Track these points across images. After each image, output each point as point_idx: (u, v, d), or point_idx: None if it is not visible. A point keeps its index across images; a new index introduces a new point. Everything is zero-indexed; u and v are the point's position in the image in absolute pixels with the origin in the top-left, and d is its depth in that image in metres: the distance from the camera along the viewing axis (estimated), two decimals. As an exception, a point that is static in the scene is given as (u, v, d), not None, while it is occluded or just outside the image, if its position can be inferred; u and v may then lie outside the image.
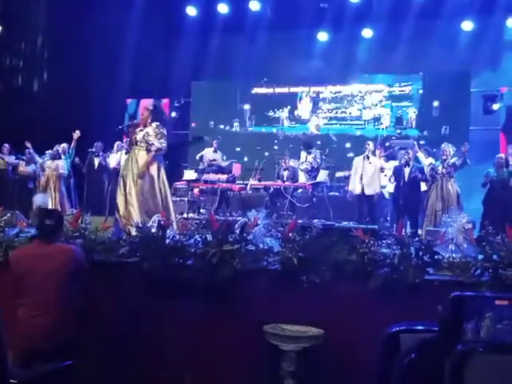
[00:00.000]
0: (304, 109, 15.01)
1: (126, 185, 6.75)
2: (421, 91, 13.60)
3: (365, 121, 14.29)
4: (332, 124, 14.62)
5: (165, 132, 6.97)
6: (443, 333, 1.48)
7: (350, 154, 12.38)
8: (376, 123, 13.89)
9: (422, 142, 11.68)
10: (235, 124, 13.13)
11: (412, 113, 13.80)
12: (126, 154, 10.18)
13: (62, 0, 10.96)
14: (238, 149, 14.06)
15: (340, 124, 14.67)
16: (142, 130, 6.92)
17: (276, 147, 13.94)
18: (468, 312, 1.42)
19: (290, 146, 13.47)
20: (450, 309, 1.47)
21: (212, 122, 14.60)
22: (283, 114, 15.05)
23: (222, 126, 14.64)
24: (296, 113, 15.07)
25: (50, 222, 4.08)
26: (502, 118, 11.73)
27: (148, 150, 6.76)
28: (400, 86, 13.91)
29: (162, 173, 6.96)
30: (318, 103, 14.92)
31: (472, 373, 1.26)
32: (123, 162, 10.01)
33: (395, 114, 13.95)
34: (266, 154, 13.35)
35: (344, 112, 14.77)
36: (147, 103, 13.70)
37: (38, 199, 7.07)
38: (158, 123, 6.97)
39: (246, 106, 14.83)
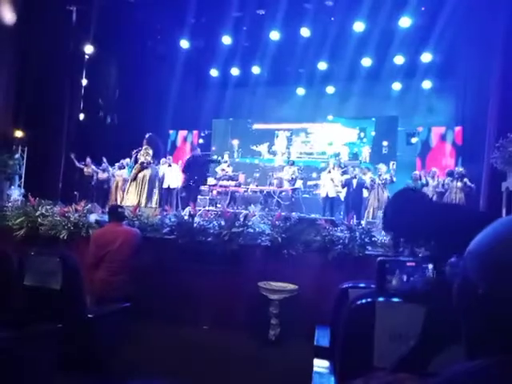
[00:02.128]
0: (280, 144, 13.94)
1: None
2: (373, 133, 12.72)
3: (329, 155, 13.06)
4: (301, 157, 13.31)
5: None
6: (376, 287, 1.48)
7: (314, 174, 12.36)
8: (336, 158, 11.90)
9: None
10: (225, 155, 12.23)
11: (366, 150, 12.78)
12: (168, 166, 10.22)
13: (128, 62, 10.94)
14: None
15: (308, 157, 13.51)
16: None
17: (257, 174, 12.55)
18: (389, 271, 1.44)
19: (270, 173, 11.81)
20: (377, 269, 1.48)
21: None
22: (263, 148, 13.98)
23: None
24: (273, 148, 13.93)
25: (121, 210, 4.11)
26: (418, 148, 11.72)
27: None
28: (358, 129, 12.90)
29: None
30: (291, 140, 13.80)
31: (383, 314, 1.26)
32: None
33: (352, 150, 12.91)
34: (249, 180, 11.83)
35: (311, 148, 13.70)
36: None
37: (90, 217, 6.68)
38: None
39: (235, 141, 14.00)
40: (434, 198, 8.42)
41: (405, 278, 1.40)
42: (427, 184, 8.73)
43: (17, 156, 8.93)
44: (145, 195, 7.91)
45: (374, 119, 12.64)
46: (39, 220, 5.31)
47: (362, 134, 12.77)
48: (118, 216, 4.07)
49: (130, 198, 7.76)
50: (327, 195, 9.67)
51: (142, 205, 7.14)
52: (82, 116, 10.95)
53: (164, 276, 4.62)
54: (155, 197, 8.18)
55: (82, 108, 10.85)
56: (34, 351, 2.19)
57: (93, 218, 5.31)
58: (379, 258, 1.55)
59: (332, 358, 1.87)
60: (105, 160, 10.23)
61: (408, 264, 1.44)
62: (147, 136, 7.28)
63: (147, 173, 8.20)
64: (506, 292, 0.58)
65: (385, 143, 12.23)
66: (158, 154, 7.61)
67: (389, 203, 2.00)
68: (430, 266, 1.39)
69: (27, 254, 2.91)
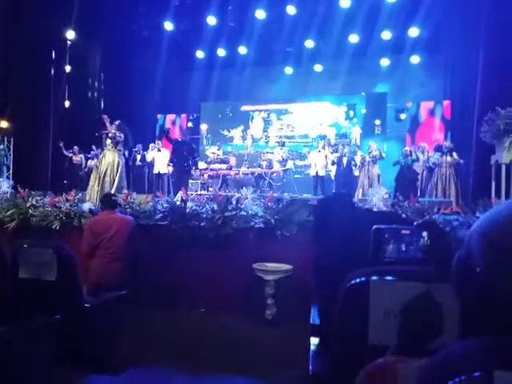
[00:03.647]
0: (256, 128, 13.01)
1: None
2: (364, 110, 12.13)
3: (312, 139, 12.38)
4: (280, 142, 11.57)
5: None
6: (372, 253, 1.50)
7: (306, 149, 12.22)
8: (325, 139, 11.02)
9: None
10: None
11: (356, 131, 12.07)
12: (157, 151, 10.12)
13: (113, 47, 10.72)
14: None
15: (289, 142, 12.31)
16: None
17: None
18: (385, 239, 1.46)
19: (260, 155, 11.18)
20: (373, 237, 1.50)
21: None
22: (236, 132, 13.09)
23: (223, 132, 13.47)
24: (249, 132, 12.96)
25: (114, 198, 4.10)
26: (408, 124, 11.73)
27: None
28: (346, 107, 12.26)
29: None
30: (269, 122, 12.84)
31: (377, 292, 1.28)
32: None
33: (339, 131, 12.24)
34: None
35: (292, 131, 12.72)
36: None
37: (83, 206, 6.21)
38: None
39: (203, 126, 13.32)
40: (425, 174, 8.50)
41: (401, 246, 1.41)
42: (418, 159, 8.78)
43: (1, 147, 8.79)
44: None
45: (363, 93, 12.40)
46: (30, 211, 5.27)
47: (352, 113, 12.42)
48: (111, 204, 4.07)
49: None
50: (317, 174, 9.71)
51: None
52: (67, 103, 10.76)
53: (159, 262, 4.63)
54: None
55: (67, 95, 10.65)
56: (32, 344, 2.20)
57: (86, 206, 5.28)
58: (375, 226, 1.55)
59: (323, 335, 1.90)
60: (94, 148, 10.11)
61: (403, 232, 1.45)
62: (118, 123, 6.96)
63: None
64: (501, 275, 0.58)
65: (377, 122, 11.90)
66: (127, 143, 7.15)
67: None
68: (425, 234, 1.41)
69: (20, 247, 2.89)
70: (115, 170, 6.79)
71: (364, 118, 12.29)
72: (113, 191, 6.15)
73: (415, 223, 1.99)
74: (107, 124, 7.01)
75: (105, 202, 4.14)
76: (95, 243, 3.84)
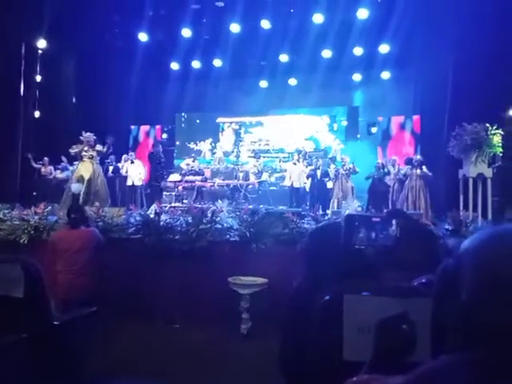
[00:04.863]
0: (227, 141, 12.62)
1: None
2: (345, 123, 12.33)
3: (289, 153, 12.13)
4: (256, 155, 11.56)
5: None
6: (343, 242, 1.50)
7: (281, 163, 12.15)
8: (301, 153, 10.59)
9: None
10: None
11: (336, 145, 12.11)
12: (130, 163, 9.99)
13: (86, 56, 10.55)
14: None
15: (264, 157, 11.91)
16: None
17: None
18: (357, 226, 1.48)
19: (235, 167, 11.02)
20: (344, 224, 1.51)
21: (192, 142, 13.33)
22: (205, 146, 12.71)
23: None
24: (218, 145, 12.56)
25: (74, 216, 3.97)
26: (379, 137, 11.99)
27: None
28: (329, 118, 12.42)
29: None
30: (239, 135, 12.56)
31: (351, 308, 1.29)
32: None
33: (318, 147, 12.19)
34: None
35: (267, 144, 12.45)
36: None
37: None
38: None
39: None
40: (396, 186, 8.69)
41: (372, 233, 1.44)
42: (389, 173, 8.97)
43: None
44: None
45: (345, 107, 12.60)
46: (-3, 225, 5.09)
47: (335, 126, 12.55)
48: (72, 221, 3.96)
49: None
50: (292, 185, 9.79)
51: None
52: (37, 114, 10.49)
53: (132, 276, 4.55)
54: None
55: (37, 106, 10.39)
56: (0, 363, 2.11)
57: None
58: (347, 213, 1.56)
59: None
60: (64, 159, 9.88)
61: (374, 219, 1.48)
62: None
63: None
64: (488, 303, 0.59)
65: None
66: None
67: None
68: (394, 222, 1.44)
69: (-15, 263, 2.78)
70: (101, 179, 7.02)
71: (346, 131, 12.49)
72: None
73: (385, 211, 2.02)
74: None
75: (69, 216, 4.02)
76: (61, 259, 3.75)
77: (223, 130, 13.01)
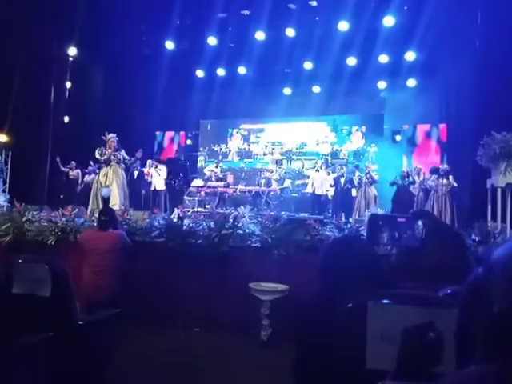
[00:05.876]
0: (234, 146, 13.29)
1: None
2: (363, 129, 12.43)
3: (320, 154, 12.51)
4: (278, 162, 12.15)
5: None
6: (367, 241, 1.47)
7: (305, 170, 12.32)
8: (322, 157, 11.64)
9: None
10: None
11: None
12: (155, 168, 10.14)
13: (113, 64, 10.81)
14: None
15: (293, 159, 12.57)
16: None
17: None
18: (381, 227, 1.44)
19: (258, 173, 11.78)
20: (368, 224, 1.48)
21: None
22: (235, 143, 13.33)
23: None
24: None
25: (104, 218, 4.05)
26: (404, 146, 11.82)
27: None
28: (342, 127, 12.59)
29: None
30: (248, 139, 13.15)
31: (375, 316, 1.26)
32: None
33: (331, 150, 12.55)
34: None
35: (282, 148, 12.89)
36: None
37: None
38: None
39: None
40: (421, 195, 8.53)
41: (396, 233, 1.40)
42: (414, 182, 8.83)
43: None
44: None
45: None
46: (26, 226, 5.24)
47: (346, 132, 12.66)
48: (101, 223, 4.03)
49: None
50: (314, 192, 9.73)
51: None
52: (67, 119, 10.79)
53: (154, 279, 4.60)
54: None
55: (66, 111, 10.69)
56: (26, 362, 2.16)
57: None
58: (371, 213, 1.54)
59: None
60: (92, 163, 10.12)
61: (399, 220, 1.44)
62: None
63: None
64: None
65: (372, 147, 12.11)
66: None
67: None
68: (420, 223, 1.40)
69: (14, 262, 2.86)
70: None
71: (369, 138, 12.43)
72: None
73: (411, 211, 1.97)
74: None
75: (99, 218, 4.11)
76: (87, 259, 3.81)
77: (232, 135, 13.40)
